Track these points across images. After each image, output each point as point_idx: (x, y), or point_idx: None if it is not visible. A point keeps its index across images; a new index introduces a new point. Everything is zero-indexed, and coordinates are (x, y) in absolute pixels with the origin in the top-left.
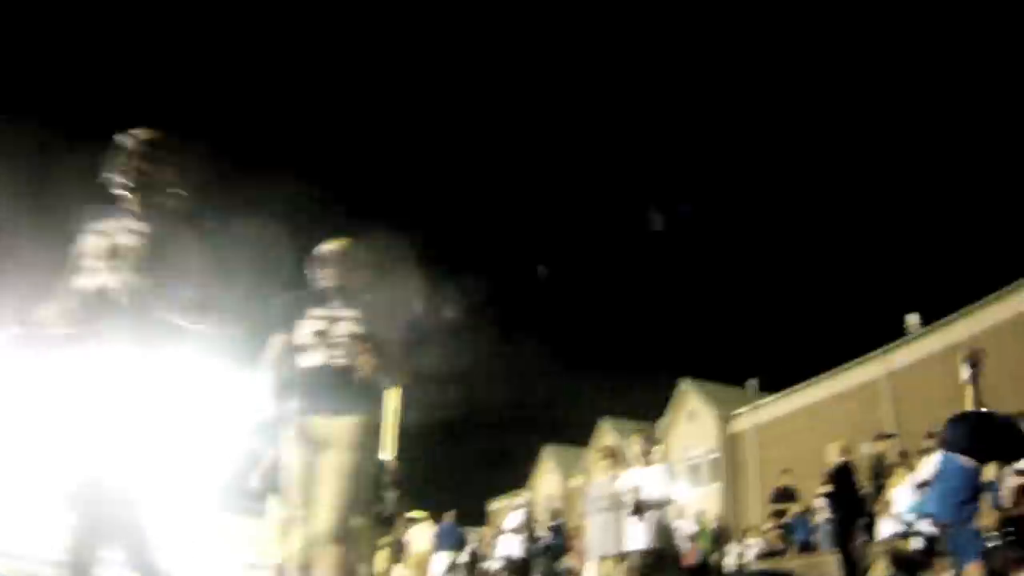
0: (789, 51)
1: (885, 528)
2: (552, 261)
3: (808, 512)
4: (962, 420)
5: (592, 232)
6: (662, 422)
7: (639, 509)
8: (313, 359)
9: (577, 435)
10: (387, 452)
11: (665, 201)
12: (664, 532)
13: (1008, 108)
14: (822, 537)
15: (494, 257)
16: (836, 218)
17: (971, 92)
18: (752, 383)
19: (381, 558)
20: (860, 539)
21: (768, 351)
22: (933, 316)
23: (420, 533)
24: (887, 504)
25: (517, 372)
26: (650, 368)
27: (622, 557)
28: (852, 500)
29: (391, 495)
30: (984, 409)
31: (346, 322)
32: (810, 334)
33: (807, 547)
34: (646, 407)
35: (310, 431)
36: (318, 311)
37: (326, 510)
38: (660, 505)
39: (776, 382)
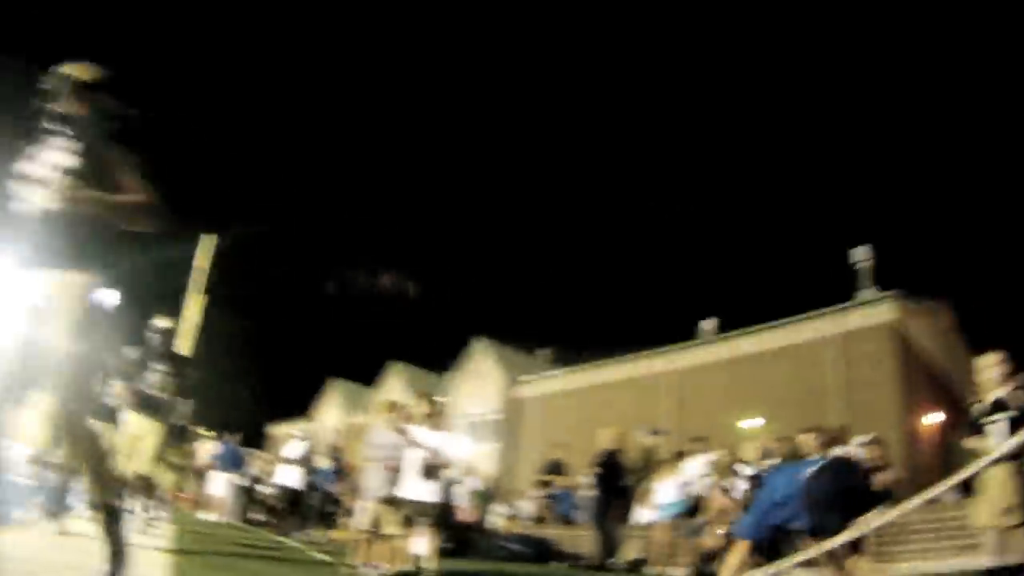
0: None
1: (640, 515)
2: (369, 201)
3: (574, 488)
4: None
5: (417, 175)
6: (450, 376)
7: (429, 472)
8: (25, 202)
9: (365, 374)
10: (185, 350)
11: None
12: (444, 488)
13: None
14: (583, 513)
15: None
16: (652, 216)
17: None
18: (544, 352)
19: (170, 471)
20: (618, 521)
21: (566, 326)
22: (731, 326)
23: (204, 450)
24: (649, 494)
25: (312, 302)
26: (447, 321)
27: (397, 503)
28: (616, 485)
29: (185, 405)
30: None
31: (68, 156)
32: (610, 318)
33: (568, 520)
34: (437, 358)
35: (25, 290)
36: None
37: (49, 390)
38: (447, 466)
39: (568, 357)
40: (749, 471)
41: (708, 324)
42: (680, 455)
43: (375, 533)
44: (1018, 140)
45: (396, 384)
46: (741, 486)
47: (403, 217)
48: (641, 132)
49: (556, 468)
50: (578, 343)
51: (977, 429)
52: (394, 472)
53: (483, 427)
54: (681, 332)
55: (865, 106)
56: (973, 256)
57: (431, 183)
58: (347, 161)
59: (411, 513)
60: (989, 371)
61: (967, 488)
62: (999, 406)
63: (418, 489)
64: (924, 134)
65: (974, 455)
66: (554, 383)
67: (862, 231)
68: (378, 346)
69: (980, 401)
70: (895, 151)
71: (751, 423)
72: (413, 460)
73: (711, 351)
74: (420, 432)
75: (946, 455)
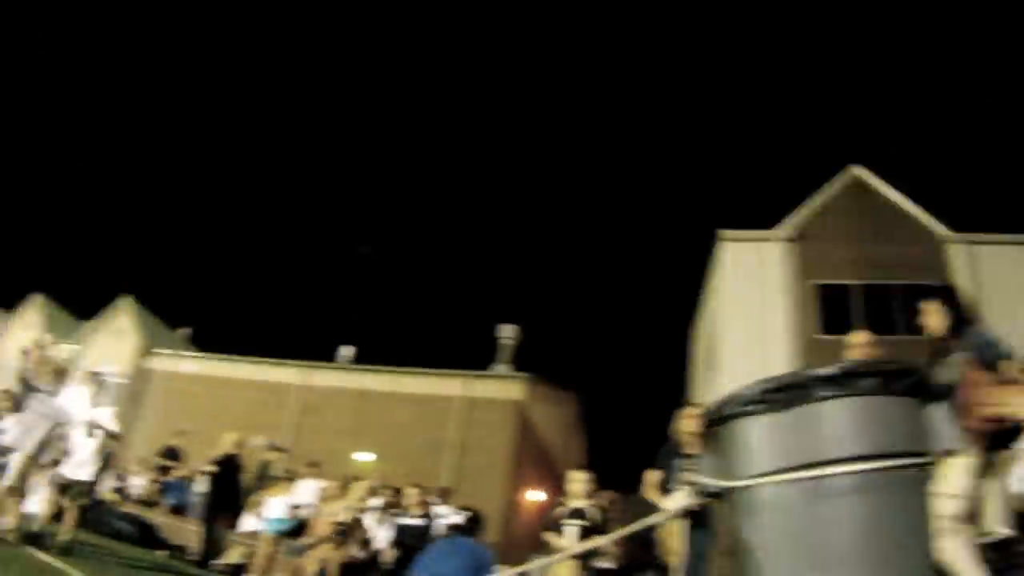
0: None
1: (247, 523)
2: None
3: (189, 479)
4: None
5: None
6: (89, 325)
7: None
8: None
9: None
10: None
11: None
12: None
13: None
14: (192, 507)
15: None
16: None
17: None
18: (185, 332)
19: None
20: (226, 524)
21: (215, 311)
22: (368, 359)
23: None
24: (258, 505)
25: None
26: (100, 268)
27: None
28: (229, 488)
29: None
30: None
31: None
32: (266, 320)
33: (178, 509)
34: (85, 304)
35: None
36: None
37: None
38: (98, 427)
39: (207, 342)
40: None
41: (346, 351)
42: (292, 477)
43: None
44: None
45: (34, 318)
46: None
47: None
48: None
49: (173, 455)
50: (221, 332)
51: (556, 527)
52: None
53: (109, 389)
54: (323, 353)
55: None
56: (603, 354)
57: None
58: None
59: (71, 492)
60: (578, 483)
61: None
62: (577, 514)
63: (81, 468)
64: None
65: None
66: (186, 364)
67: (521, 311)
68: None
69: (563, 504)
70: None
71: (365, 456)
72: (76, 435)
73: (343, 377)
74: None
75: (539, 532)
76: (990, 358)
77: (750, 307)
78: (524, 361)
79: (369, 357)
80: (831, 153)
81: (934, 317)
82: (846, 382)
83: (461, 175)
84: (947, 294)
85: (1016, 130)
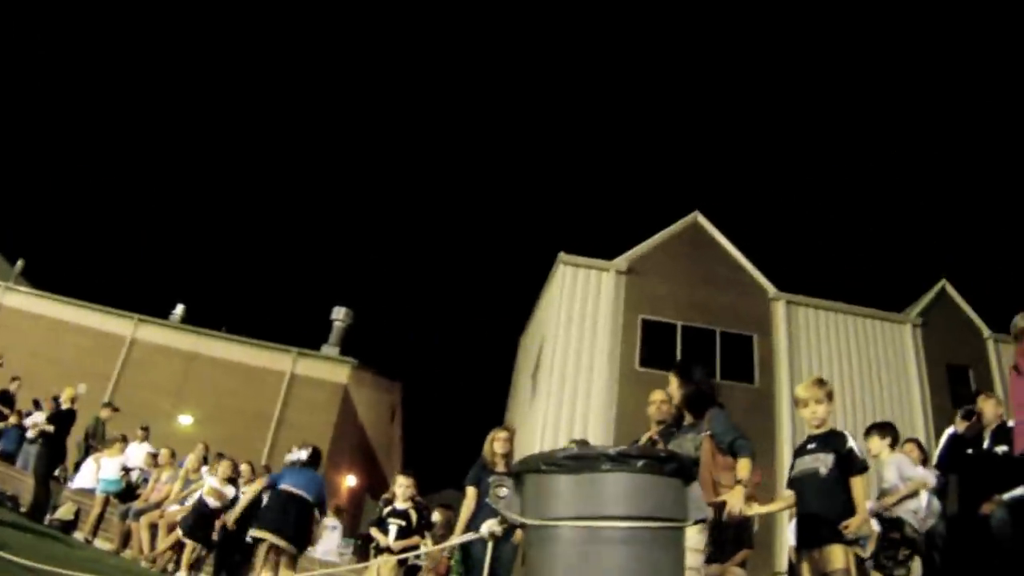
0: None
1: (79, 480)
2: None
3: (20, 427)
4: None
5: None
6: None
7: None
8: None
9: None
10: None
11: None
12: None
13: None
14: (27, 458)
15: None
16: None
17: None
18: (19, 264)
19: None
20: (57, 479)
21: (46, 243)
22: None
23: None
24: (94, 464)
25: None
26: None
27: None
28: (64, 444)
29: None
30: None
31: None
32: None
33: (7, 456)
34: None
35: None
36: None
37: None
38: None
39: (45, 279)
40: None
41: (179, 308)
42: (125, 438)
43: None
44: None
45: None
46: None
47: None
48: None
49: (6, 399)
50: (57, 270)
51: (382, 524)
52: None
53: None
54: (159, 309)
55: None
56: (431, 349)
57: None
58: None
59: None
60: (402, 487)
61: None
62: (399, 514)
63: None
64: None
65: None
66: (18, 299)
67: (358, 296)
68: None
69: (389, 501)
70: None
71: (186, 419)
72: None
73: (174, 335)
74: None
75: (356, 515)
76: (725, 443)
77: (578, 330)
78: (353, 345)
79: (203, 320)
80: (682, 198)
81: (673, 388)
82: (625, 461)
83: (322, 158)
84: (685, 370)
85: (844, 212)
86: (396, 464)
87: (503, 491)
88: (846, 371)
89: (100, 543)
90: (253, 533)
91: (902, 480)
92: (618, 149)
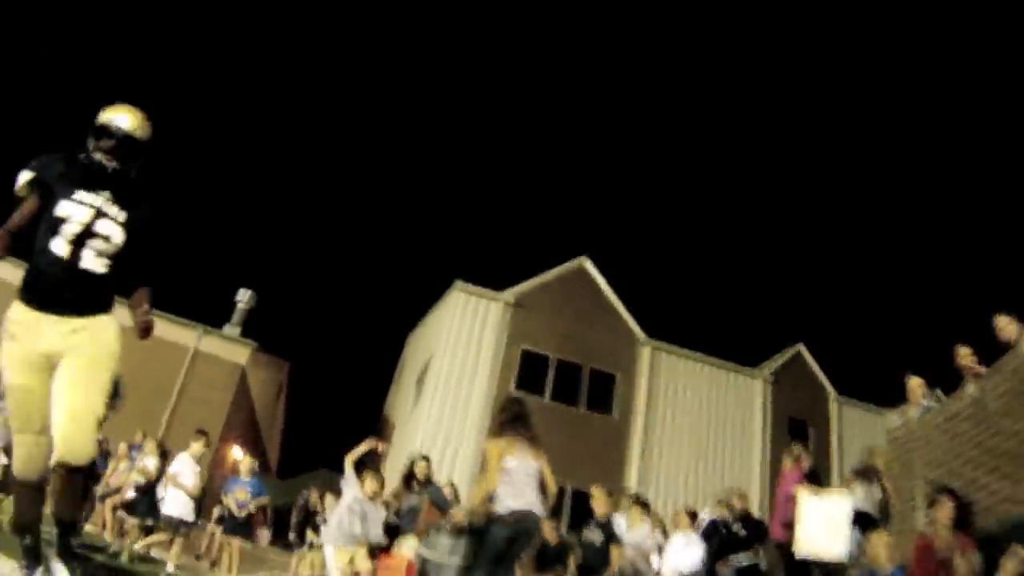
0: None
1: None
2: None
3: None
4: None
5: None
6: None
7: None
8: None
9: None
10: None
11: None
12: None
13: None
14: None
15: None
16: None
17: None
18: None
19: None
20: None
21: None
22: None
23: None
24: None
25: None
26: None
27: None
28: None
29: None
30: None
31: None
32: None
33: None
34: None
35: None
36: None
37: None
38: None
39: None
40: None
41: None
42: None
43: None
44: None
45: None
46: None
47: None
48: None
49: None
50: None
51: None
52: None
53: None
54: None
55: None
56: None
57: None
58: None
59: None
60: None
61: None
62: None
63: None
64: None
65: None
66: None
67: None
68: None
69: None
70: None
71: None
72: None
73: None
74: None
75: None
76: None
77: (464, 351)
78: (254, 327)
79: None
80: (574, 240)
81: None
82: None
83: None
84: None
85: (720, 272)
86: (277, 440)
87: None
88: (698, 416)
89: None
90: None
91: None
92: (520, 187)
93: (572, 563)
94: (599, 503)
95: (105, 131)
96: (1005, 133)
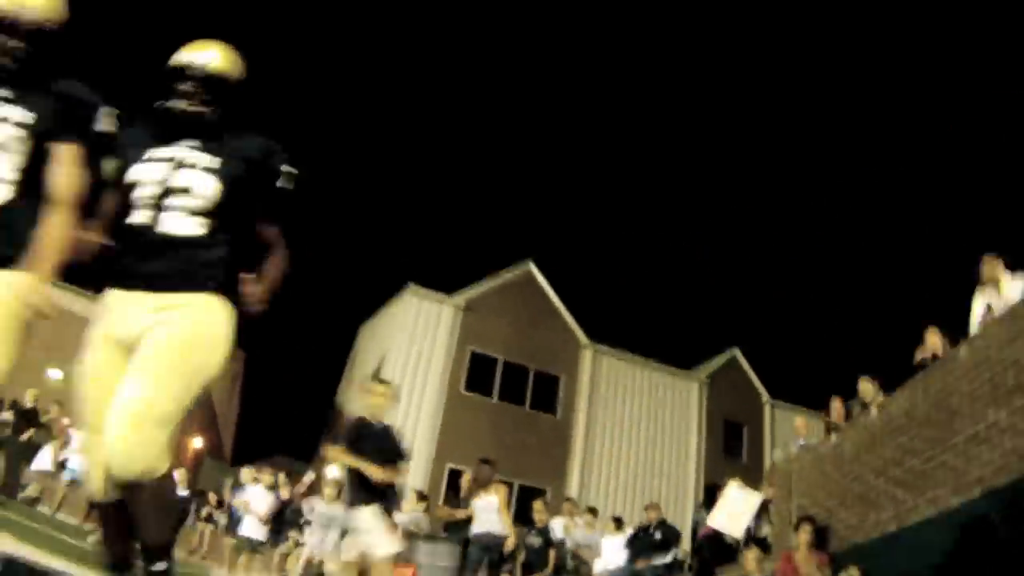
0: None
1: (40, 462)
2: None
3: None
4: None
5: None
6: None
7: None
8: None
9: None
10: None
11: None
12: None
13: None
14: None
15: None
16: None
17: None
18: None
19: None
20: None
21: None
22: None
23: None
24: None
25: None
26: None
27: None
28: (32, 427)
29: None
30: None
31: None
32: None
33: None
34: None
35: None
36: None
37: None
38: None
39: None
40: None
41: None
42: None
43: None
44: None
45: None
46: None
47: None
48: None
49: None
50: None
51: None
52: None
53: None
54: None
55: None
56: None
57: None
58: None
59: None
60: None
61: None
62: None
63: None
64: None
65: None
66: None
67: None
68: None
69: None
70: None
71: (57, 374)
72: None
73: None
74: None
75: (196, 473)
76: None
77: (418, 351)
78: None
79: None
80: (519, 243)
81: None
82: None
83: None
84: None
85: (661, 276)
86: (231, 429)
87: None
88: (637, 416)
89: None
90: None
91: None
92: (468, 190)
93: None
94: (539, 514)
95: (181, 73)
96: (928, 134)
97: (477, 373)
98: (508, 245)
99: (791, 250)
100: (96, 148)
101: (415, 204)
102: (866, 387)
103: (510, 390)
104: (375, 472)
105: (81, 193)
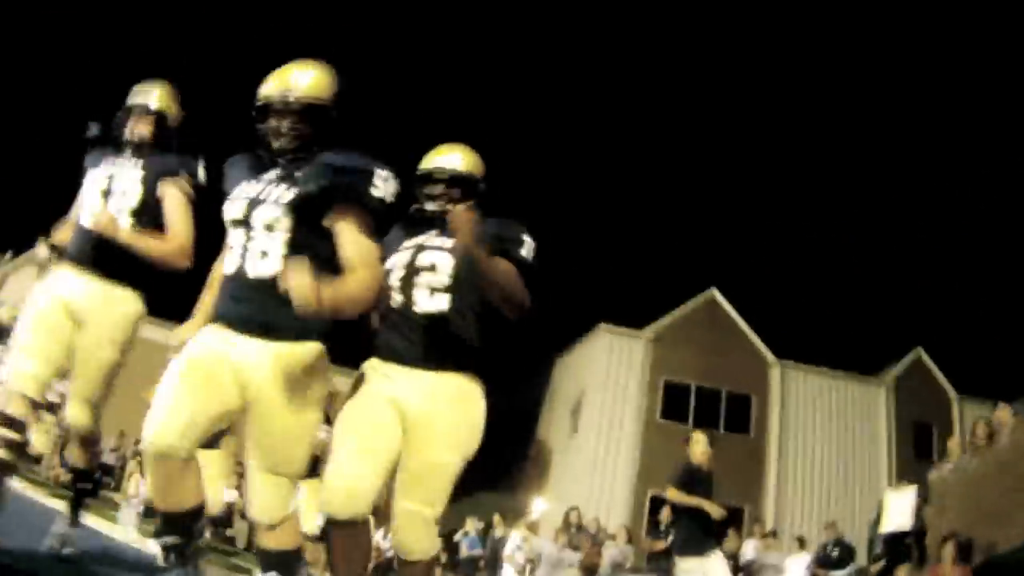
0: None
1: None
2: None
3: None
4: None
5: None
6: None
7: None
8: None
9: None
10: None
11: None
12: None
13: None
14: None
15: None
16: None
17: None
18: None
19: None
20: None
21: None
22: None
23: None
24: None
25: None
26: None
27: None
28: None
29: None
30: None
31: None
32: None
33: None
34: None
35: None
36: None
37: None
38: None
39: None
40: None
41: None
42: None
43: None
44: None
45: None
46: None
47: None
48: None
49: None
50: None
51: None
52: None
53: None
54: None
55: None
56: None
57: None
58: None
59: None
60: None
61: None
62: None
63: None
64: None
65: None
66: None
67: None
68: None
69: None
70: None
71: None
72: None
73: None
74: None
75: None
76: None
77: (614, 386)
78: None
79: None
80: (699, 276)
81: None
82: None
83: None
84: None
85: (835, 288)
86: None
87: None
88: (827, 427)
89: None
90: None
91: None
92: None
93: None
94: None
95: (430, 177)
96: None
97: (671, 401)
98: (691, 276)
99: (968, 243)
100: (377, 213)
101: (599, 244)
102: (1002, 414)
103: (703, 414)
104: (715, 511)
105: (377, 261)
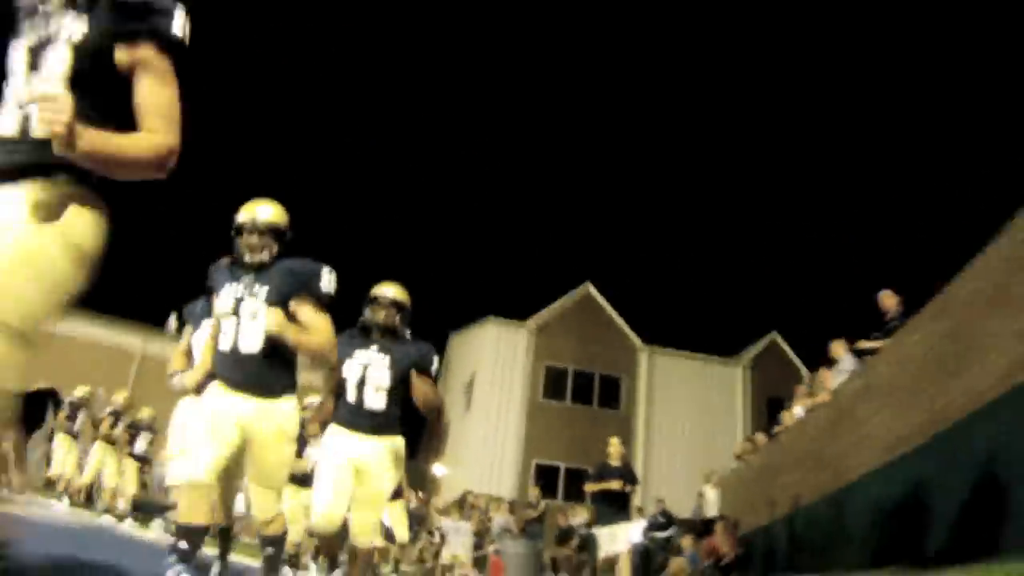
0: None
1: None
2: None
3: None
4: None
5: None
6: None
7: None
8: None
9: None
10: None
11: None
12: None
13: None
14: None
15: None
16: None
17: None
18: None
19: None
20: None
21: None
22: None
23: None
24: None
25: None
26: None
27: None
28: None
29: None
30: None
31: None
32: None
33: None
34: None
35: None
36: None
37: None
38: None
39: None
40: None
41: None
42: None
43: None
44: None
45: None
46: None
47: None
48: None
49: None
50: None
51: None
52: None
53: None
54: None
55: None
56: None
57: None
58: None
59: None
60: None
61: None
62: None
63: None
64: None
65: None
66: None
67: None
68: None
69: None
70: None
71: None
72: None
73: None
74: None
75: None
76: None
77: (502, 370)
78: None
79: None
80: (576, 272)
81: None
82: None
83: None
84: None
85: (704, 279)
86: None
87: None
88: (689, 404)
89: None
90: None
91: None
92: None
93: None
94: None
95: (375, 300)
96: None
97: (551, 383)
98: (568, 273)
99: (813, 239)
100: (328, 305)
101: (487, 243)
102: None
103: (580, 393)
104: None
105: (331, 344)
